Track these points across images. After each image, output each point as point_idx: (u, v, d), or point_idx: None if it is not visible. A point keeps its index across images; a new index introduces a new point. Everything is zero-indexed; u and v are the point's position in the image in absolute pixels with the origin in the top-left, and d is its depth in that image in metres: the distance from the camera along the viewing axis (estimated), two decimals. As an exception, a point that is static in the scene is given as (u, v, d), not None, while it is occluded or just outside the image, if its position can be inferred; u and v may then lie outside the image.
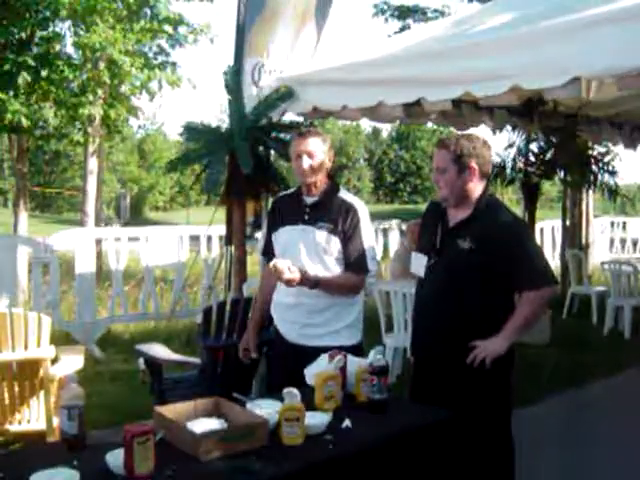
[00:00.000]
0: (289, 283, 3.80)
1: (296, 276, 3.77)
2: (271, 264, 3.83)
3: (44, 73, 11.59)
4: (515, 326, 3.64)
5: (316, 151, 3.96)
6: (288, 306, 4.06)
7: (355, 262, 3.97)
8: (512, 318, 3.63)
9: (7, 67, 11.57)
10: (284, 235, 4.09)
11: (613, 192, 10.92)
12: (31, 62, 11.52)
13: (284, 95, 5.92)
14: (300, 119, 6.36)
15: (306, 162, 3.94)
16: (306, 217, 4.00)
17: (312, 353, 3.73)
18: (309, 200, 4.04)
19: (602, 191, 11.21)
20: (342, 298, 4.00)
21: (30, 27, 11.98)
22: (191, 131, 6.45)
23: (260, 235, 6.13)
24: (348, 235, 3.95)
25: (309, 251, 3.95)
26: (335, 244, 3.94)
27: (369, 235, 4.04)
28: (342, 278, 3.97)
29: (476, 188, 3.71)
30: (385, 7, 16.93)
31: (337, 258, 3.97)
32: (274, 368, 4.27)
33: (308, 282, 3.84)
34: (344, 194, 4.08)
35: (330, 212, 3.97)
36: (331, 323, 3.99)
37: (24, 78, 11.27)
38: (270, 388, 4.13)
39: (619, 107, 7.59)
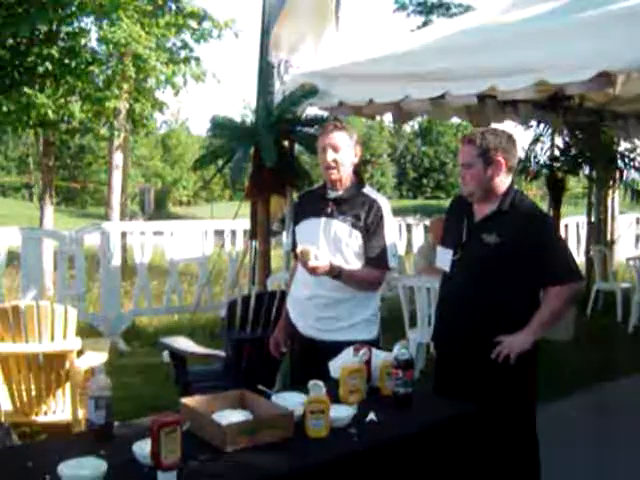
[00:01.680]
0: (314, 271, 3.76)
1: (322, 264, 3.75)
2: (298, 249, 3.81)
3: (67, 61, 11.69)
4: (541, 321, 3.63)
5: (341, 145, 3.93)
6: (303, 299, 4.06)
7: (376, 258, 3.95)
8: (538, 313, 3.62)
9: (31, 59, 11.67)
10: (305, 227, 4.09)
11: (637, 193, 10.82)
12: (56, 54, 11.62)
13: (308, 93, 5.93)
14: (325, 113, 6.37)
15: (330, 155, 3.92)
16: (329, 210, 3.98)
17: (328, 347, 3.76)
18: (333, 194, 4.02)
19: (625, 192, 11.14)
20: (359, 292, 3.98)
21: (56, 22, 12.08)
22: (217, 127, 6.47)
23: (286, 232, 6.16)
24: (371, 230, 3.93)
25: (330, 244, 3.93)
26: (357, 238, 3.93)
27: (391, 231, 4.02)
28: (363, 272, 3.95)
29: (502, 182, 3.70)
30: (407, 2, 16.90)
31: (357, 253, 3.95)
32: (295, 362, 4.29)
33: (332, 271, 3.81)
34: (368, 190, 4.07)
35: (353, 207, 3.95)
36: (347, 317, 3.97)
37: (46, 67, 11.36)
38: (293, 381, 4.15)
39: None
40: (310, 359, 3.91)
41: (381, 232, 3.95)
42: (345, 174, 3.97)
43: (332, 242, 3.93)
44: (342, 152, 3.93)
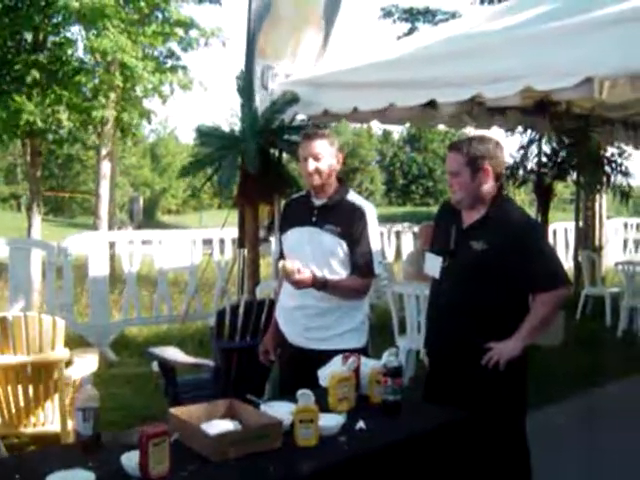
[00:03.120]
0: (298, 284, 3.77)
1: (305, 277, 3.75)
2: (280, 265, 3.81)
3: (54, 68, 11.71)
4: (530, 328, 3.63)
5: (322, 153, 3.92)
6: (291, 309, 4.04)
7: (362, 265, 3.94)
8: (526, 320, 3.62)
9: (18, 67, 11.67)
10: (291, 236, 4.08)
11: (625, 194, 10.85)
12: (43, 60, 11.63)
13: (290, 100, 5.93)
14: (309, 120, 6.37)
15: (312, 165, 3.91)
16: (314, 219, 3.97)
17: (317, 357, 3.73)
18: (318, 202, 4.02)
19: (614, 193, 11.17)
20: (346, 301, 3.97)
21: (42, 32, 12.09)
22: (204, 136, 6.47)
23: (274, 239, 6.15)
24: (356, 238, 3.91)
25: (316, 253, 3.92)
26: (342, 247, 3.91)
27: (376, 238, 4.01)
28: (349, 281, 3.94)
29: (490, 189, 3.70)
30: (393, 10, 16.94)
31: (343, 261, 3.94)
32: (283, 371, 4.28)
33: (317, 283, 3.81)
34: (353, 196, 4.05)
35: (338, 214, 3.94)
36: (335, 326, 3.96)
37: (33, 76, 11.37)
38: (282, 391, 4.14)
39: (634, 108, 7.56)
40: (299, 368, 3.91)
41: (366, 239, 3.93)
42: (327, 181, 3.96)
43: (318, 251, 3.92)
44: (323, 160, 3.92)
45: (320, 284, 3.82)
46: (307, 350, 3.95)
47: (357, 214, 3.95)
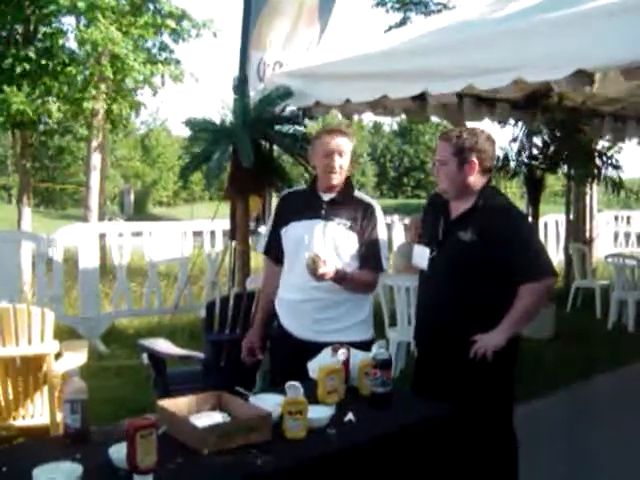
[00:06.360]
0: (322, 277, 3.74)
1: (330, 270, 3.75)
2: (307, 256, 3.75)
3: (44, 62, 11.66)
4: (514, 319, 3.62)
5: (346, 150, 3.96)
6: (298, 302, 4.02)
7: (372, 260, 3.99)
8: (511, 311, 3.61)
9: (9, 61, 11.61)
10: (298, 229, 4.04)
11: (616, 185, 10.84)
12: (33, 55, 11.57)
13: (283, 95, 5.91)
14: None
15: (337, 161, 3.92)
16: (323, 212, 3.98)
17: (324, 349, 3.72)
18: (326, 197, 4.02)
19: (606, 185, 11.16)
20: (355, 294, 3.99)
21: (33, 23, 12.03)
22: (195, 128, 6.43)
23: (263, 232, 6.12)
24: (366, 233, 3.96)
25: (326, 246, 3.92)
26: (352, 241, 3.94)
27: (384, 234, 4.07)
28: (363, 275, 3.97)
29: (477, 182, 3.71)
30: None
31: (352, 255, 3.96)
32: (278, 364, 4.24)
33: (338, 276, 3.81)
34: (359, 194, 4.11)
35: (348, 209, 3.98)
36: (344, 319, 3.97)
37: (24, 67, 11.32)
38: (274, 383, 4.11)
39: (625, 101, 7.56)
40: (301, 361, 3.85)
41: (376, 235, 3.99)
42: (344, 178, 3.99)
43: (330, 245, 3.93)
44: (346, 157, 3.96)
45: (340, 277, 3.83)
46: (316, 343, 3.89)
47: (368, 211, 4.01)
